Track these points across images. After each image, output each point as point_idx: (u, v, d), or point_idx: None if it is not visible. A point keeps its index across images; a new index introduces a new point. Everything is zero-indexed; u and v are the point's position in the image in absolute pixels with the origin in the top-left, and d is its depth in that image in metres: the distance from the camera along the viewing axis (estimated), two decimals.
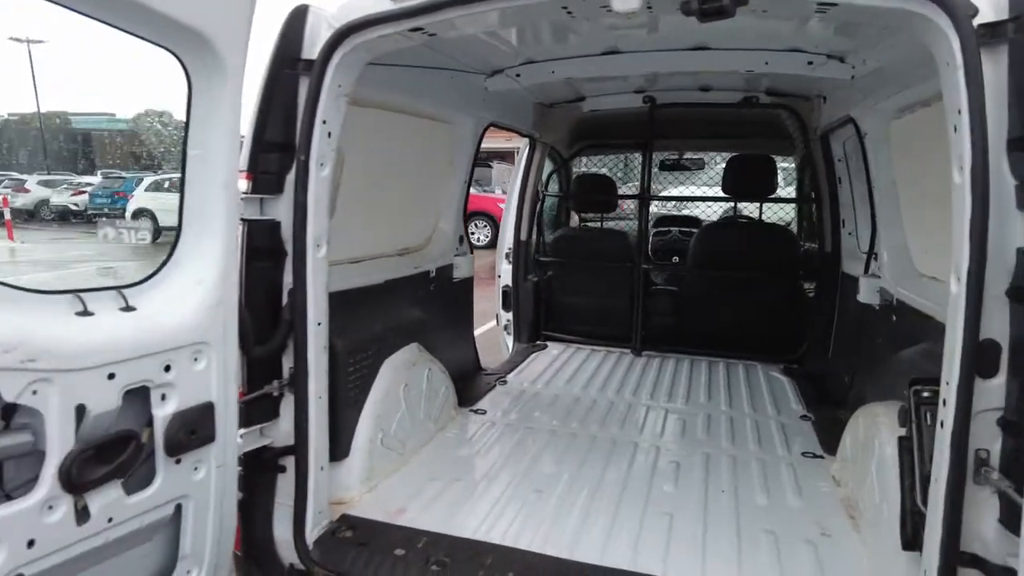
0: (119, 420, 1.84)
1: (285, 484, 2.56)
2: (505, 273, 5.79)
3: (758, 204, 6.24)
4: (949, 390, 1.79)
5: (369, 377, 3.12)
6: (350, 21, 2.29)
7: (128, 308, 1.88)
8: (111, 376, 1.78)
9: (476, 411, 4.09)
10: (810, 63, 3.43)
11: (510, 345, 5.81)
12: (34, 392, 1.60)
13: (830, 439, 3.50)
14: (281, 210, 2.40)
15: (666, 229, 7.13)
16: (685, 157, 7.08)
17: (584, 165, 7.20)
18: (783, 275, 5.32)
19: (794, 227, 6.75)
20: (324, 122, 2.35)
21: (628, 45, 3.57)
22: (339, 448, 2.83)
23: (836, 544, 2.62)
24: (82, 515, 1.75)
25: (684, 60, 3.66)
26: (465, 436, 3.72)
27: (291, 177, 2.38)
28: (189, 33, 1.86)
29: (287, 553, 2.55)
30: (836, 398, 4.23)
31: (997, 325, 1.75)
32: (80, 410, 1.71)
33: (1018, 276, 1.70)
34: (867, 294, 3.72)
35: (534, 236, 5.82)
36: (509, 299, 5.80)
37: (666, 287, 5.90)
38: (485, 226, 20.09)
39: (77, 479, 1.70)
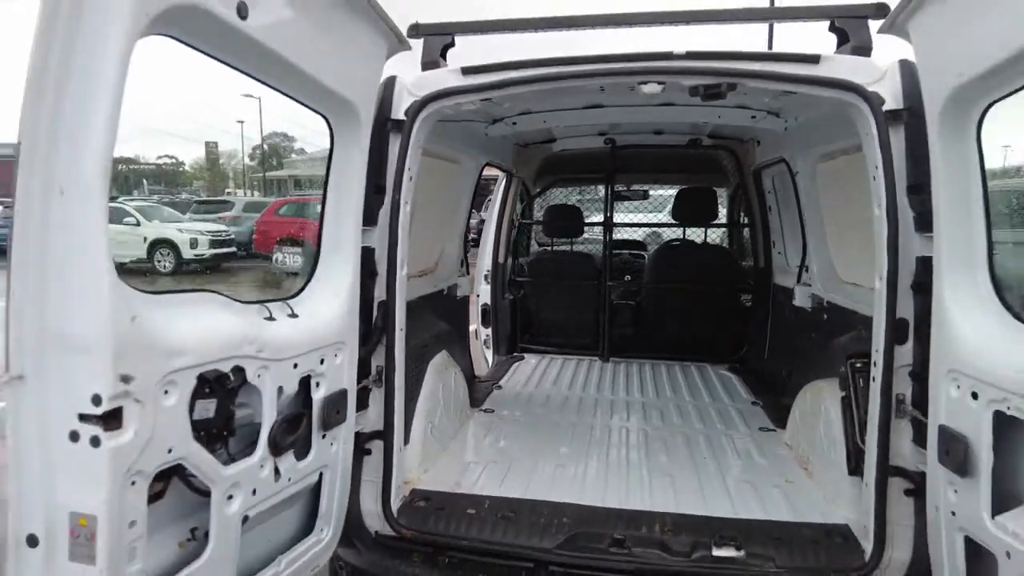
0: (294, 402, 2.41)
1: (371, 464, 3.13)
2: (484, 293, 6.48)
3: (702, 228, 7.20)
4: (879, 355, 2.64)
5: (420, 378, 3.73)
6: (434, 91, 2.97)
7: (293, 315, 2.47)
8: (295, 366, 2.36)
9: (485, 411, 4.73)
10: (753, 117, 4.37)
11: (489, 358, 6.48)
12: (259, 376, 2.17)
13: (779, 417, 4.38)
14: (374, 238, 3.01)
15: (618, 252, 8.04)
16: (631, 188, 8.05)
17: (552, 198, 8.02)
18: (725, 288, 6.28)
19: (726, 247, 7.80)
20: (409, 168, 3.00)
21: (610, 101, 4.39)
22: (405, 436, 3.42)
23: (797, 487, 3.45)
24: (276, 474, 2.30)
25: (655, 113, 4.52)
26: (485, 429, 4.36)
27: (382, 212, 3.01)
28: (340, 100, 2.50)
29: (373, 522, 3.11)
30: (776, 388, 5.16)
31: (906, 308, 2.61)
32: (279, 392, 2.28)
33: (918, 275, 2.57)
34: (801, 299, 4.67)
35: (509, 260, 6.56)
36: (488, 316, 6.48)
37: (626, 302, 6.76)
38: None
39: (279, 444, 2.26)
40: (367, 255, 2.99)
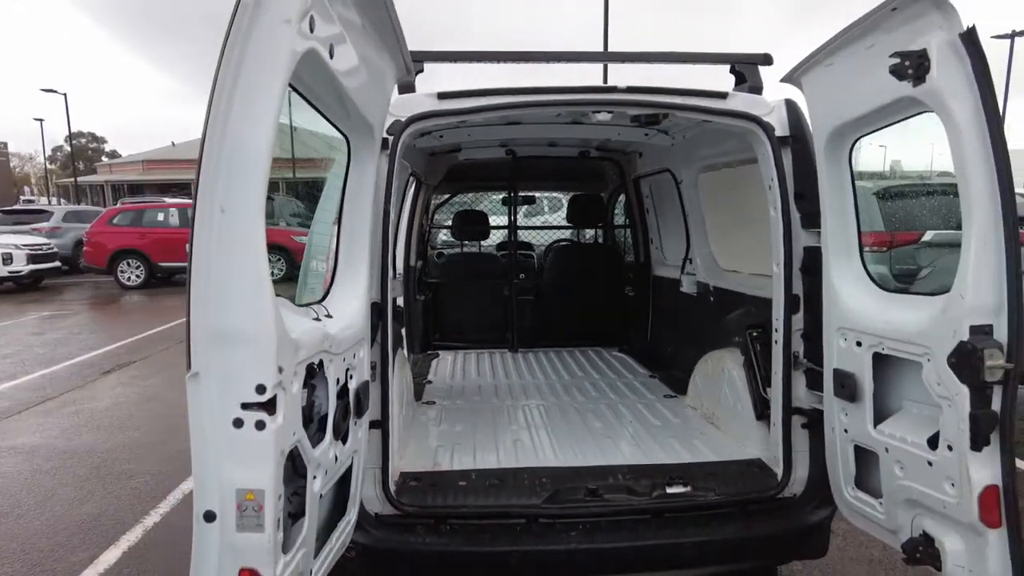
0: (342, 392, 2.72)
1: (368, 453, 3.45)
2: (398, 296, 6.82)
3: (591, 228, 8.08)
4: (779, 323, 3.49)
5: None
6: (417, 112, 3.35)
7: (329, 315, 2.78)
8: (343, 360, 2.68)
9: (427, 403, 5.13)
10: (646, 135, 5.20)
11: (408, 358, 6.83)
12: (327, 368, 2.48)
13: (677, 385, 5.25)
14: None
15: (508, 253, 8.74)
16: (520, 194, 8.77)
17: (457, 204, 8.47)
18: (611, 281, 7.18)
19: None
20: (396, 181, 3.38)
21: (529, 119, 4.99)
22: None
23: (712, 437, 4.28)
24: (335, 457, 2.61)
25: (564, 130, 5.21)
26: (436, 417, 4.77)
27: None
28: (362, 122, 2.84)
29: (372, 506, 3.43)
30: (664, 364, 6.08)
31: (798, 286, 3.48)
32: (336, 383, 2.60)
33: (805, 260, 3.44)
34: (688, 287, 5.61)
35: (419, 262, 6.95)
36: (401, 316, 6.83)
37: (524, 297, 7.43)
38: (279, 259, 20.01)
39: (338, 429, 2.58)
40: None
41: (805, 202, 3.37)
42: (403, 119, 3.37)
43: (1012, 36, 35.87)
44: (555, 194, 9.64)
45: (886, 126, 2.80)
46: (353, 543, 3.43)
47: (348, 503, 2.98)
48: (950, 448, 2.44)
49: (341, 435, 2.65)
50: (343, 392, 2.76)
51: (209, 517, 1.83)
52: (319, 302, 2.82)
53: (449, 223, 8.02)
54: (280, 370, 1.91)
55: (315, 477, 2.38)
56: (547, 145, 6.38)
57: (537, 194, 9.07)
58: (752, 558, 3.45)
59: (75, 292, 19.49)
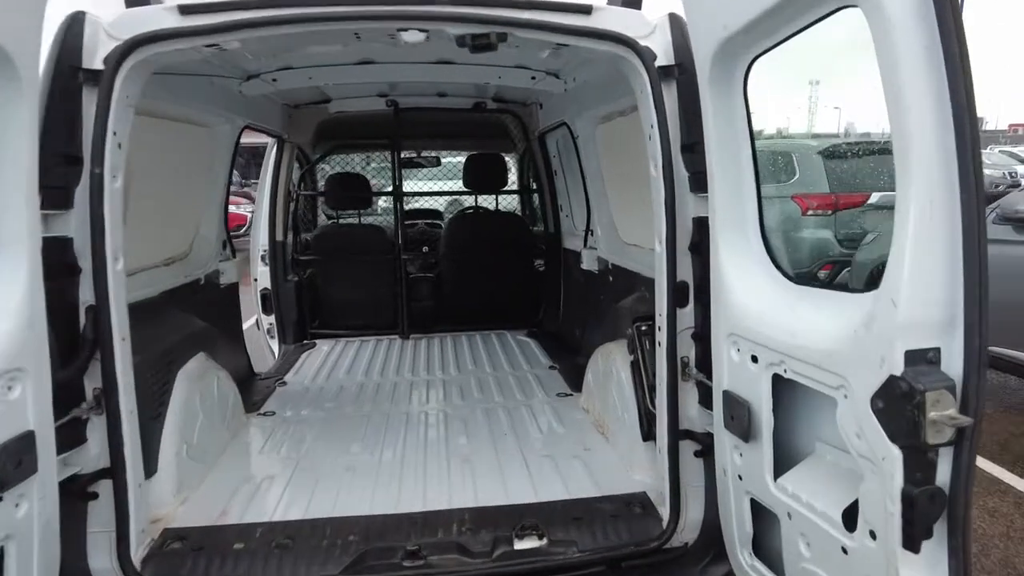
0: None
1: (98, 510, 2.47)
2: (262, 276, 5.76)
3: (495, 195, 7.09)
4: (662, 319, 2.59)
5: (167, 390, 3.07)
6: (143, 33, 2.31)
7: None
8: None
9: (264, 414, 4.14)
10: (533, 78, 4.20)
11: (275, 349, 5.81)
12: None
13: (575, 380, 4.37)
14: (72, 225, 2.31)
15: (412, 222, 7.67)
16: (422, 155, 7.68)
17: (336, 165, 7.38)
18: (518, 255, 6.22)
19: (519, 213, 7.80)
20: (115, 133, 2.32)
21: (382, 57, 3.95)
22: (148, 465, 2.78)
23: (596, 455, 3.40)
24: None
25: (430, 72, 4.17)
26: (262, 437, 3.79)
27: (80, 189, 2.31)
28: None
29: None
30: (572, 348, 5.20)
31: (685, 271, 2.57)
32: None
33: (694, 236, 2.53)
34: (588, 263, 4.68)
35: (290, 236, 5.87)
36: (269, 302, 5.78)
37: (423, 274, 6.43)
38: None
39: None
40: (59, 247, 2.29)
41: (696, 157, 2.44)
42: (122, 43, 2.31)
43: None
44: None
45: (792, 35, 1.86)
46: None
47: None
48: (872, 536, 1.57)
49: None
50: None
51: None
52: None
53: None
54: None
55: None
56: (436, 95, 5.34)
57: (443, 154, 7.97)
58: None
59: None
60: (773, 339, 1.93)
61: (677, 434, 2.63)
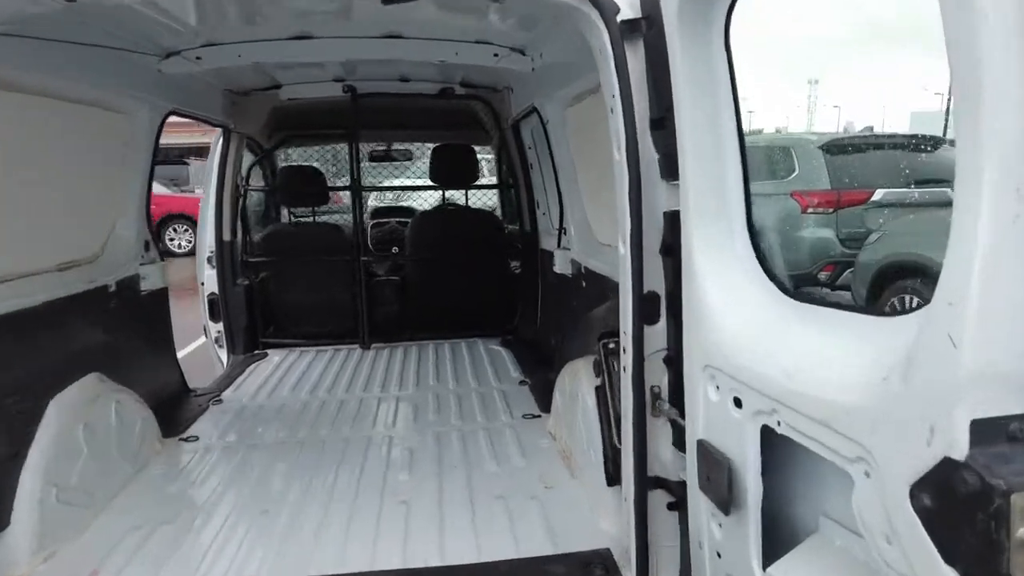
0: None
1: None
2: (209, 279, 5.23)
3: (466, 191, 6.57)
4: (627, 338, 2.06)
5: (30, 424, 2.53)
6: None
7: None
8: None
9: (186, 439, 3.61)
10: (496, 55, 3.67)
11: (224, 359, 5.28)
12: None
13: (545, 398, 3.84)
14: None
15: (384, 220, 7.13)
16: (394, 148, 7.13)
17: (295, 158, 6.86)
18: (492, 255, 5.68)
19: (500, 211, 7.26)
20: None
21: (321, 31, 3.44)
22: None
23: (557, 494, 2.88)
24: None
25: (377, 47, 3.65)
26: (174, 470, 3.26)
27: None
28: None
29: None
30: (549, 359, 4.67)
31: (656, 279, 2.05)
32: None
33: (666, 235, 2.00)
34: (561, 265, 4.15)
35: (239, 236, 5.34)
36: (217, 308, 5.25)
37: (389, 277, 5.89)
38: (186, 230, 18.00)
39: None
40: None
41: (667, 133, 1.91)
42: None
43: None
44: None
45: None
46: None
47: None
48: None
49: None
50: None
51: None
52: None
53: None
54: None
55: None
56: (398, 80, 4.81)
57: (418, 147, 7.41)
58: None
59: None
60: (762, 378, 1.39)
61: (645, 482, 2.10)
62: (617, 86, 1.96)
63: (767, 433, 1.41)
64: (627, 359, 2.09)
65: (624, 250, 2.05)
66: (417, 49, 3.69)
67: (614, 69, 1.97)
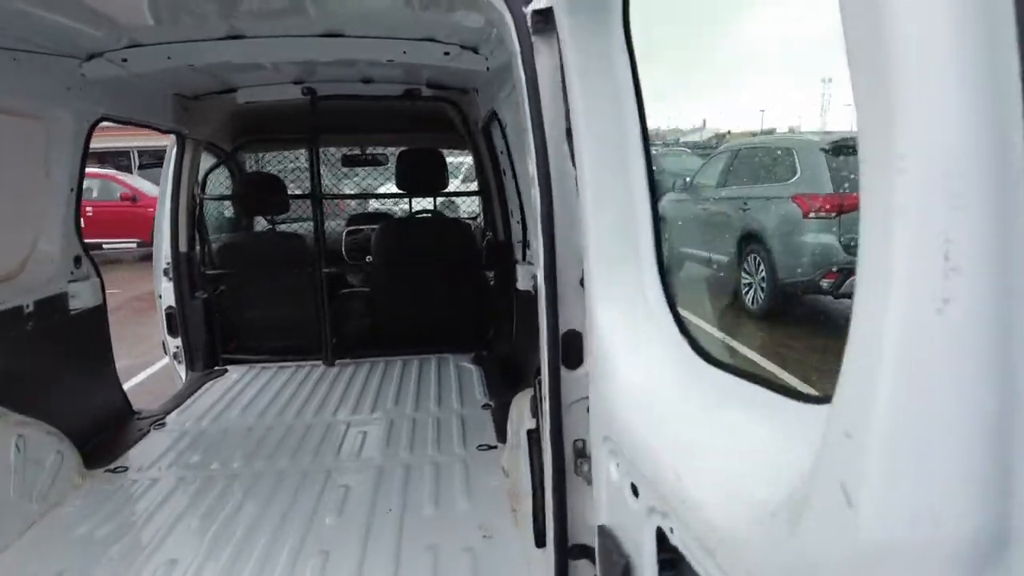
0: None
1: None
2: (166, 292, 4.98)
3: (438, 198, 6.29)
4: (543, 385, 1.76)
5: None
6: None
7: None
8: None
9: (114, 470, 3.35)
10: (447, 53, 3.38)
11: (184, 376, 5.03)
12: None
13: (506, 426, 3.54)
14: None
15: (358, 228, 6.87)
16: (368, 152, 6.84)
17: (267, 165, 6.62)
18: (465, 266, 5.38)
19: (482, 219, 6.96)
20: None
21: (253, 30, 3.17)
22: None
23: (495, 545, 2.57)
24: None
25: (318, 47, 3.38)
26: (90, 507, 2.99)
27: None
28: None
29: None
30: (520, 379, 4.36)
31: (577, 316, 1.74)
32: None
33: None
34: (523, 281, 3.85)
35: (196, 246, 5.08)
36: (175, 322, 4.99)
37: (359, 288, 5.62)
38: None
39: None
40: None
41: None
42: None
43: None
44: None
45: None
46: None
47: None
48: None
49: None
50: None
51: None
52: None
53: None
54: None
55: None
56: (360, 81, 4.53)
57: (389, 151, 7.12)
58: None
59: None
60: (656, 467, 1.08)
61: (566, 552, 1.79)
62: (527, 91, 1.66)
63: (663, 538, 1.10)
64: (544, 408, 1.78)
65: (539, 281, 1.74)
66: (361, 48, 3.41)
67: (523, 70, 1.66)
